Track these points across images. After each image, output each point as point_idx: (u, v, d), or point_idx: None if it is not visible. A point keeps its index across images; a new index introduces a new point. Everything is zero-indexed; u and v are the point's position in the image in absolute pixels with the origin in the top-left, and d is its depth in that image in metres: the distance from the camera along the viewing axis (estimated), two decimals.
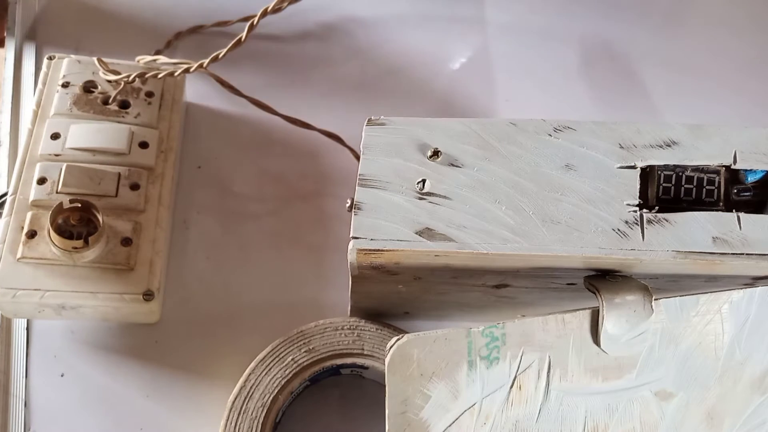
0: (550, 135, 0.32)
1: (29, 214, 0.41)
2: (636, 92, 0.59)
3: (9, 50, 0.55)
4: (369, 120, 0.33)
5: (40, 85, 0.47)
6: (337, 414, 0.43)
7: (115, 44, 0.55)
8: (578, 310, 0.30)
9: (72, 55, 0.48)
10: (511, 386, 0.30)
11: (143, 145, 0.46)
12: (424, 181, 0.31)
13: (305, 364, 0.41)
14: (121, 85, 0.47)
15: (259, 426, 0.39)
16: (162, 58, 0.50)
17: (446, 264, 0.31)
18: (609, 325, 0.30)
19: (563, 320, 0.30)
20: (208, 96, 0.54)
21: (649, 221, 0.31)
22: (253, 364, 0.41)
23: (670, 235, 0.30)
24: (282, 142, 0.53)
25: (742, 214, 0.31)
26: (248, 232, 0.49)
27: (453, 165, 0.32)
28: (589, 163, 0.32)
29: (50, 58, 0.48)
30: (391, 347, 0.29)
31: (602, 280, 0.31)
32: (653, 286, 0.31)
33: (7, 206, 0.42)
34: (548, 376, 0.30)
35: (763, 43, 0.64)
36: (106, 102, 0.47)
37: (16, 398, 0.42)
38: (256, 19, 0.49)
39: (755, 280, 0.33)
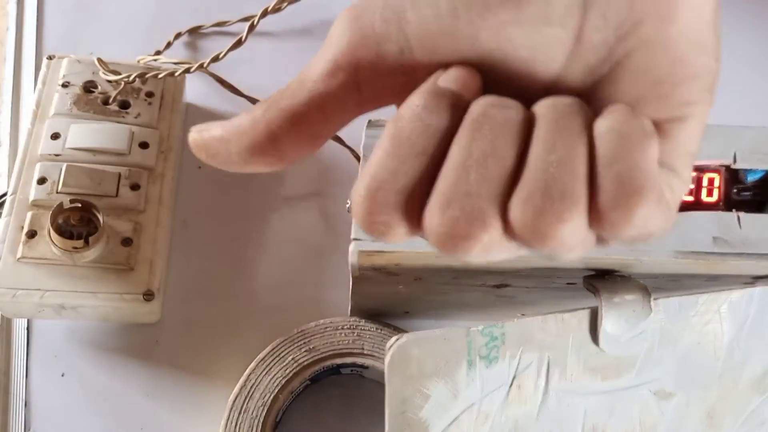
0: None
1: (29, 214, 0.41)
2: None
3: (9, 50, 0.55)
4: (369, 121, 0.33)
5: (40, 85, 0.47)
6: (337, 414, 0.43)
7: (115, 44, 0.55)
8: (577, 309, 0.30)
9: (72, 55, 0.48)
10: (511, 386, 0.30)
11: (143, 145, 0.46)
12: None
13: (305, 363, 0.41)
14: (121, 85, 0.47)
15: (260, 425, 0.39)
16: (162, 58, 0.50)
17: (447, 265, 0.31)
18: (608, 324, 0.30)
19: (562, 320, 0.30)
20: (208, 96, 0.54)
21: None
22: (253, 364, 0.41)
23: (670, 235, 0.30)
24: None
25: (742, 214, 0.31)
26: (248, 231, 0.49)
27: None
28: None
29: (50, 58, 0.48)
30: (391, 347, 0.29)
31: (601, 279, 0.31)
32: (653, 285, 0.31)
33: (7, 206, 0.42)
34: (547, 375, 0.30)
35: (764, 43, 0.64)
36: (106, 102, 0.47)
37: (16, 398, 0.42)
38: (256, 19, 0.50)
39: (755, 280, 0.33)
